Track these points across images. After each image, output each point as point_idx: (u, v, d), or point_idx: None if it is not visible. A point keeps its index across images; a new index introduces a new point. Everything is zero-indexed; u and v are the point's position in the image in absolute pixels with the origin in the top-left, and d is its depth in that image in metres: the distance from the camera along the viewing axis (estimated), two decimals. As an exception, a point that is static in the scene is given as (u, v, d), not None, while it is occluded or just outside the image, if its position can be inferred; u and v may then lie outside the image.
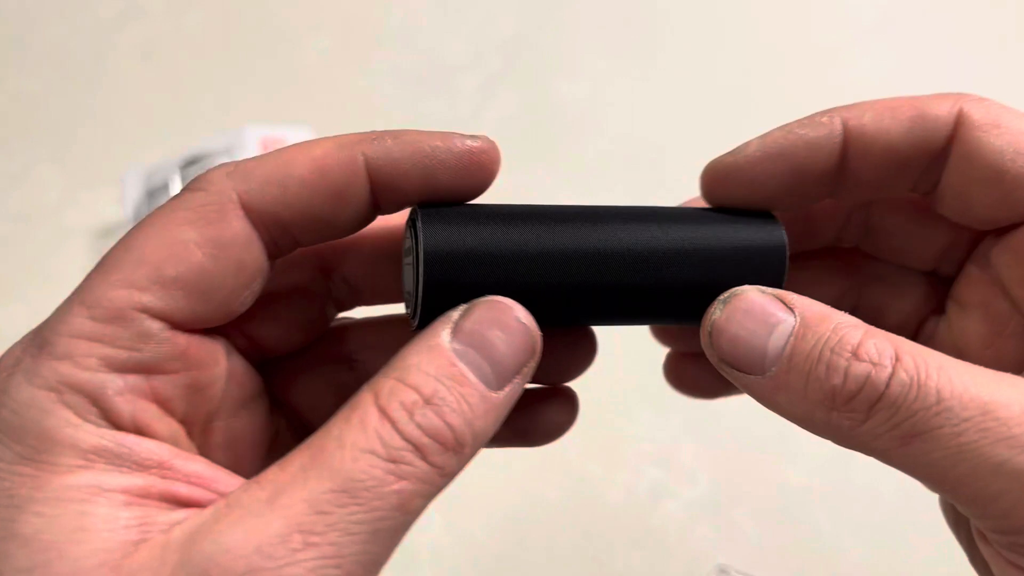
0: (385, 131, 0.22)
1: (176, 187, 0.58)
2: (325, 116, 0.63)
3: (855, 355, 0.20)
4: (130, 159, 0.61)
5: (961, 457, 0.19)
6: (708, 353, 0.23)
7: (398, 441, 0.19)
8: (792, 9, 0.69)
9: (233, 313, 0.22)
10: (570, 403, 0.28)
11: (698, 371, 0.29)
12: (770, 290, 0.22)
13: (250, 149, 0.58)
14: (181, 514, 0.19)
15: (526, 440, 0.27)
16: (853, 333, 0.20)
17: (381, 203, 0.23)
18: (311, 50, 0.68)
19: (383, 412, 0.19)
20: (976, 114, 0.23)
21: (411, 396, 0.19)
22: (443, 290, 0.22)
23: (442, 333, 0.20)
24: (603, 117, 0.64)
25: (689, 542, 0.47)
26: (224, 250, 0.21)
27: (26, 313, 0.65)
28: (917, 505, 0.47)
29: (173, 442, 0.21)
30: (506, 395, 0.21)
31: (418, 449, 0.19)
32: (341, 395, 0.25)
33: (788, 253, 0.24)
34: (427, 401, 0.19)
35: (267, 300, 0.24)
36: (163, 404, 0.21)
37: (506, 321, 0.21)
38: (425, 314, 0.22)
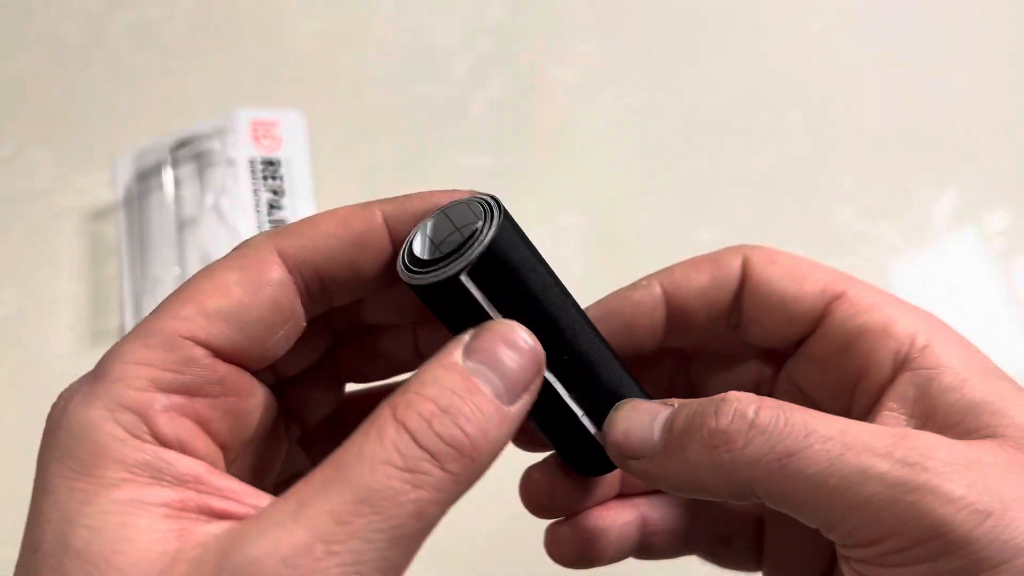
0: (404, 194, 0.25)
1: (168, 170, 0.58)
2: (316, 100, 0.63)
3: (724, 400, 0.23)
4: (121, 142, 0.61)
5: (833, 470, 0.22)
6: (609, 451, 0.26)
7: (415, 451, 0.20)
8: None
9: (267, 354, 0.24)
10: None
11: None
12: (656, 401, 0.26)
13: (241, 132, 0.58)
14: (217, 526, 0.20)
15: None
16: (717, 397, 0.24)
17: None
18: (302, 34, 0.68)
19: (401, 424, 0.20)
20: (756, 256, 0.28)
21: (428, 407, 0.21)
22: (479, 277, 0.23)
23: (455, 353, 0.22)
24: (593, 101, 0.64)
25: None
26: (261, 288, 0.24)
27: (17, 295, 0.66)
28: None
29: (211, 462, 0.22)
30: (517, 410, 0.22)
31: (434, 457, 0.20)
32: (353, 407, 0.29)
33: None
34: (443, 411, 0.21)
35: None
36: (203, 424, 0.23)
37: (514, 341, 0.22)
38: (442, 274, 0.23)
